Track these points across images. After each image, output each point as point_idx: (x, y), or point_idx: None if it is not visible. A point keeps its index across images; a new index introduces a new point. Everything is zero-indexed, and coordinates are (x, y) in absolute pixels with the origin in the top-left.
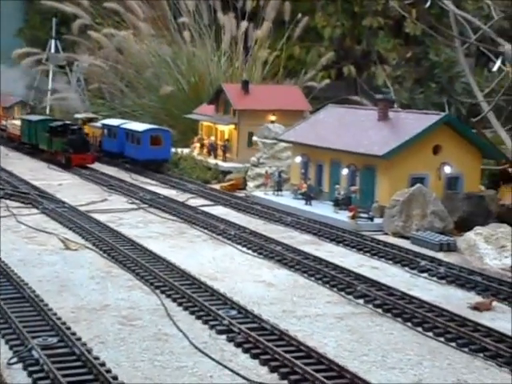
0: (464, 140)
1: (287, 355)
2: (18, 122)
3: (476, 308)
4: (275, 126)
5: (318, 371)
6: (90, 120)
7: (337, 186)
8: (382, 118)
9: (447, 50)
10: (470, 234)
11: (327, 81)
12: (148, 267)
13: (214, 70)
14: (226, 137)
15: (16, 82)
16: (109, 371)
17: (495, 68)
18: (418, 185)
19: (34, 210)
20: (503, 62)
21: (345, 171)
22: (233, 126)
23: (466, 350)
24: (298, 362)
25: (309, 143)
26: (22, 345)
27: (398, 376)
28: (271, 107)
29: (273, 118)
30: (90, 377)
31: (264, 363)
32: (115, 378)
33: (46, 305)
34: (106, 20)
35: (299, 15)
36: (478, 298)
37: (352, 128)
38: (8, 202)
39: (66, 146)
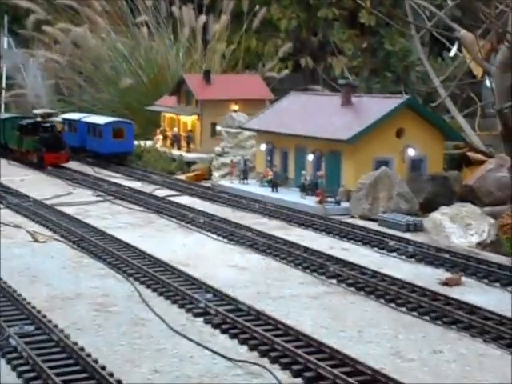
0: (426, 123)
1: (266, 333)
2: None
3: (446, 283)
4: (239, 115)
5: (297, 347)
6: (49, 115)
7: (303, 172)
8: (345, 103)
9: (402, 40)
10: (435, 214)
11: (286, 71)
12: (119, 256)
13: (173, 62)
14: (189, 128)
15: None
16: (89, 355)
17: (452, 53)
18: (384, 167)
19: None
20: (459, 48)
21: (310, 157)
22: (196, 117)
23: (439, 322)
24: (276, 339)
25: (273, 130)
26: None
27: (375, 349)
28: (234, 96)
29: (235, 107)
30: (71, 361)
31: (243, 342)
32: (96, 361)
33: (20, 295)
34: (61, 15)
35: (257, 7)
36: (448, 275)
37: (316, 114)
38: None
39: (38, 144)
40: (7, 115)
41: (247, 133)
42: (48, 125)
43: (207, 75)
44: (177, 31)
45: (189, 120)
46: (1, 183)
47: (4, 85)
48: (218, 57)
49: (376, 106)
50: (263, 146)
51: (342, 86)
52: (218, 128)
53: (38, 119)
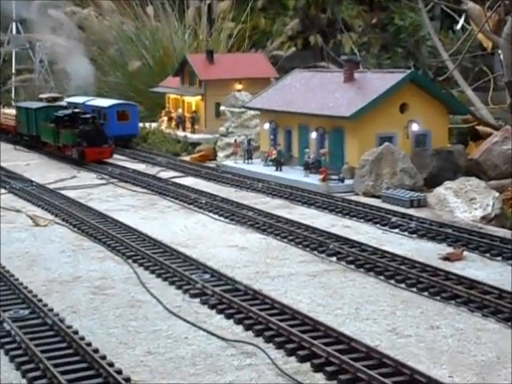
0: (430, 97)
1: (261, 313)
2: (10, 111)
3: (447, 258)
4: (242, 95)
5: (292, 326)
6: (55, 99)
7: (306, 150)
8: (348, 79)
9: (412, 15)
10: (439, 189)
11: (293, 49)
12: (119, 238)
13: (179, 43)
14: (194, 108)
15: None
16: (82, 338)
17: (459, 26)
18: (387, 143)
19: (2, 190)
20: (466, 21)
21: (313, 135)
22: (199, 97)
23: (438, 298)
24: (272, 318)
25: (276, 109)
26: None
27: (372, 326)
28: (237, 76)
29: (239, 86)
30: (63, 345)
31: (239, 322)
32: (89, 344)
33: (17, 279)
34: None
35: None
36: (450, 250)
37: (319, 91)
38: None
39: (78, 138)
40: (40, 104)
41: (251, 112)
42: (88, 116)
43: (210, 55)
44: (182, 11)
45: (193, 101)
46: (5, 168)
47: (14, 70)
48: (224, 36)
49: (379, 82)
50: (266, 125)
51: (344, 62)
52: (222, 108)
53: (77, 110)
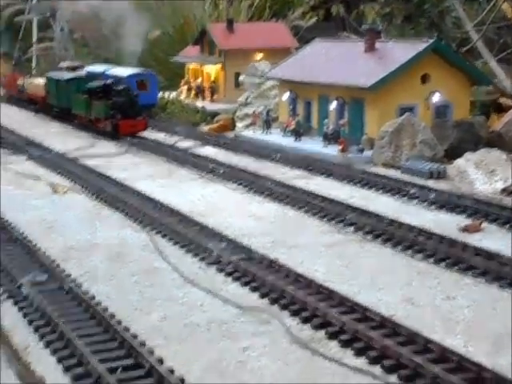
0: (453, 68)
1: (277, 281)
2: (39, 81)
3: (465, 230)
4: (262, 65)
5: (308, 295)
6: (75, 68)
7: (325, 121)
8: (368, 49)
9: None
10: (460, 161)
11: (314, 19)
12: (137, 207)
13: (199, 12)
14: (213, 78)
15: (1, 34)
16: (99, 303)
17: None
18: (407, 114)
19: (22, 158)
20: None
21: (333, 105)
22: (219, 67)
23: (455, 269)
24: (287, 287)
25: (296, 79)
26: (12, 283)
27: (388, 296)
28: (257, 45)
29: (259, 56)
30: (80, 309)
31: (254, 290)
32: (105, 309)
33: (35, 245)
34: None
35: None
36: (468, 221)
37: (339, 61)
38: None
39: (111, 110)
40: (71, 75)
41: (270, 82)
42: (122, 87)
43: (230, 24)
44: None
45: (212, 70)
46: (25, 136)
47: (35, 38)
48: (244, 6)
49: (400, 52)
50: (286, 95)
51: (365, 32)
52: (241, 78)
53: (110, 81)
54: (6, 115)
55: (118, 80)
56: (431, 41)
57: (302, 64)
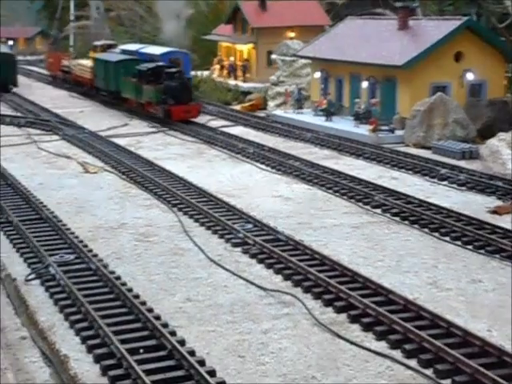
0: (487, 45)
1: (301, 263)
2: (86, 62)
3: (495, 212)
4: (294, 43)
5: (331, 277)
6: (109, 47)
7: (357, 100)
8: (402, 27)
9: None
10: (492, 141)
11: None
12: (166, 187)
13: None
14: (245, 57)
15: (39, 12)
16: (124, 284)
17: None
18: (439, 93)
19: (55, 137)
20: None
21: (364, 84)
22: (251, 45)
23: (482, 252)
24: (311, 269)
25: (327, 58)
26: (40, 262)
27: (412, 279)
28: (290, 23)
29: (291, 34)
30: (106, 290)
31: (278, 272)
32: (130, 289)
33: (65, 225)
34: None
35: None
36: (498, 203)
37: (371, 39)
38: (29, 129)
39: (163, 95)
40: (121, 57)
41: (302, 61)
42: (174, 70)
43: (263, 2)
44: None
45: (245, 49)
46: (59, 115)
47: (73, 17)
48: None
49: (433, 30)
50: (317, 74)
51: (399, 9)
52: (273, 56)
53: (161, 63)
54: (48, 97)
55: (151, 58)
56: (465, 18)
57: (334, 42)
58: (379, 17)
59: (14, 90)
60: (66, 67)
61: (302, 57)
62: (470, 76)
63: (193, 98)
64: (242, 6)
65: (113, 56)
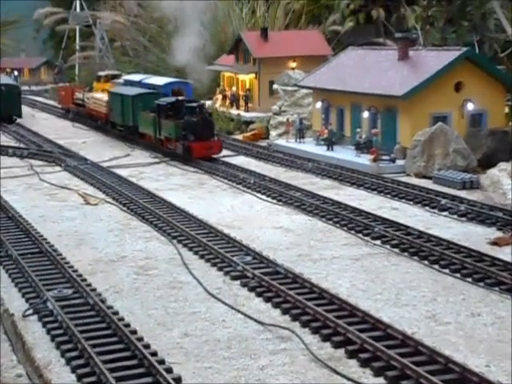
0: (487, 75)
1: (299, 297)
2: (101, 96)
3: (495, 243)
4: (295, 73)
5: (329, 311)
6: (113, 77)
7: (358, 130)
8: (402, 57)
9: None
10: (493, 171)
11: (351, 24)
12: (166, 218)
13: (236, 20)
14: (248, 86)
15: (45, 42)
16: (122, 319)
17: None
18: (439, 123)
19: (57, 168)
20: None
21: (365, 114)
22: (253, 75)
23: (481, 284)
24: (309, 303)
25: (328, 88)
26: (38, 297)
27: (411, 312)
28: (291, 53)
29: (293, 64)
30: (103, 325)
31: (276, 306)
32: (127, 325)
33: (64, 258)
34: None
35: None
36: (499, 234)
37: (372, 69)
38: (32, 161)
39: (183, 131)
40: (138, 90)
41: (304, 90)
42: (195, 105)
43: (264, 32)
44: None
45: (247, 79)
46: (62, 146)
47: (78, 46)
48: (280, 13)
49: (433, 60)
50: (319, 104)
51: (399, 40)
52: (275, 86)
53: (181, 98)
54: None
55: (154, 88)
56: (464, 49)
57: (335, 72)
58: (380, 47)
59: (18, 120)
60: (80, 100)
61: (303, 87)
62: (470, 106)
63: (215, 133)
64: (244, 36)
65: (130, 89)
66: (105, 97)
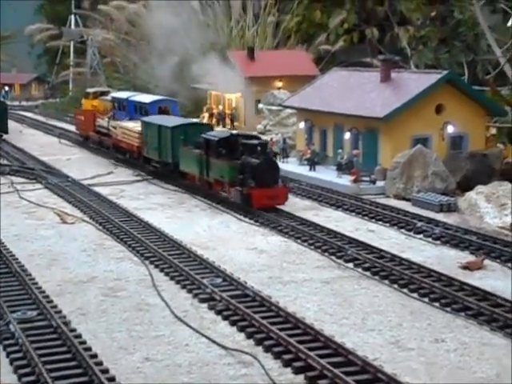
0: (468, 98)
1: (264, 321)
2: (133, 125)
3: (466, 267)
4: (280, 93)
5: (292, 336)
6: (102, 94)
7: (339, 151)
8: (384, 79)
9: (472, 8)
10: (471, 194)
11: (341, 43)
12: (140, 238)
13: (225, 38)
14: (234, 105)
15: (39, 57)
16: (83, 343)
17: (509, 23)
18: (419, 145)
19: (38, 186)
20: None
21: (347, 135)
22: (240, 94)
23: (448, 309)
24: (273, 327)
25: (312, 108)
26: (1, 319)
27: (376, 338)
28: (278, 73)
29: (279, 84)
30: (63, 349)
31: (241, 330)
32: (88, 349)
33: (33, 279)
34: None
35: None
36: (471, 258)
37: (355, 91)
38: (13, 178)
39: (240, 174)
40: (179, 121)
41: (289, 110)
42: (256, 142)
43: (251, 52)
44: (229, 6)
45: (233, 97)
46: (45, 163)
47: (72, 62)
48: (269, 32)
49: (415, 82)
50: (302, 124)
51: (381, 62)
52: (260, 105)
53: (237, 132)
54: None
55: (140, 106)
56: (445, 72)
57: (319, 93)
58: (364, 68)
59: (4, 136)
60: (104, 128)
61: (287, 107)
62: (450, 128)
63: (278, 177)
64: (230, 55)
65: (168, 119)
66: (137, 127)
